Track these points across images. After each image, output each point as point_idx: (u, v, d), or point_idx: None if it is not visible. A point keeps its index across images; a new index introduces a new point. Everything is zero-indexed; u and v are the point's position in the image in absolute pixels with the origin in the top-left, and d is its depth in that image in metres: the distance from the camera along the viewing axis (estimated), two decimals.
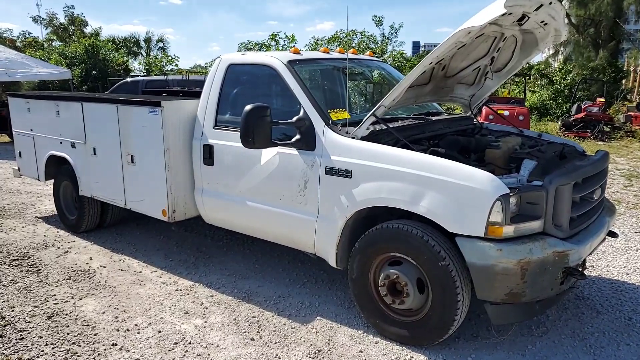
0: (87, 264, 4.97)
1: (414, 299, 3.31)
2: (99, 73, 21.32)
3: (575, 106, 15.59)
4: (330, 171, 3.59)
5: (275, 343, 3.50)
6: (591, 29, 23.44)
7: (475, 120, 4.74)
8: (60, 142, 5.69)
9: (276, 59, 4.08)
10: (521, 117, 13.62)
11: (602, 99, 15.71)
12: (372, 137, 3.59)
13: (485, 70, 4.30)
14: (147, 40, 29.53)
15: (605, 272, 4.68)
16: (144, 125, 4.62)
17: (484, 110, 13.96)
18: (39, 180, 6.28)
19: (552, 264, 3.02)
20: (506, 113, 13.64)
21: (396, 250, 3.36)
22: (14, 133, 6.55)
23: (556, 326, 3.69)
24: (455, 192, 3.07)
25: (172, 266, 4.91)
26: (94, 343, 3.50)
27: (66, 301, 4.15)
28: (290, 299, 4.16)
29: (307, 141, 3.69)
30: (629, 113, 16.07)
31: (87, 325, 3.75)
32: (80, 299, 4.20)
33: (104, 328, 3.71)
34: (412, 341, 3.41)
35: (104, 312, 3.96)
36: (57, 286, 4.44)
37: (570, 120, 15.01)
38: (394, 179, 3.30)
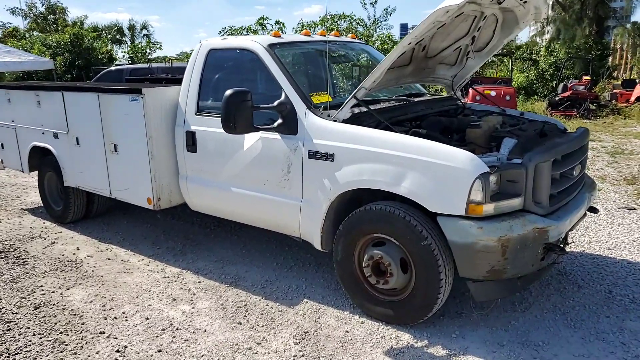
0: (74, 254, 4.96)
1: (398, 278, 3.34)
2: (83, 62, 21.03)
3: (561, 85, 15.67)
4: (313, 155, 3.60)
5: (263, 326, 3.54)
6: (577, 6, 23.44)
7: (458, 100, 4.75)
8: (43, 133, 5.63)
9: (257, 43, 4.05)
10: (508, 97, 13.67)
11: (588, 77, 15.81)
12: (354, 120, 3.59)
13: (466, 50, 4.30)
14: (131, 27, 29.11)
15: (587, 247, 4.76)
16: (126, 114, 4.59)
17: (471, 91, 13.98)
18: (22, 172, 6.23)
19: (533, 241, 3.06)
20: (493, 93, 13.68)
21: (379, 231, 3.39)
22: None
23: (539, 301, 3.76)
24: (436, 172, 3.09)
25: (159, 254, 4.91)
26: (81, 332, 3.51)
27: (53, 291, 4.15)
28: (277, 283, 4.20)
29: (289, 125, 3.69)
30: (614, 91, 16.20)
31: (75, 314, 3.76)
32: (68, 289, 4.20)
33: (91, 317, 3.72)
34: (397, 320, 3.46)
35: (91, 301, 3.96)
36: (44, 277, 4.44)
37: (556, 99, 15.09)
38: (375, 161, 3.32)
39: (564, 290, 3.92)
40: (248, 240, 5.15)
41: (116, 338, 3.43)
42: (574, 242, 4.86)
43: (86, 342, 3.38)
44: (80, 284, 4.29)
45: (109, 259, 4.82)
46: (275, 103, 3.70)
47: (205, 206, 4.57)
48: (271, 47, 4.01)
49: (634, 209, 5.85)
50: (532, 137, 3.48)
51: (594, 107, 14.87)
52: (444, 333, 3.38)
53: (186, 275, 4.41)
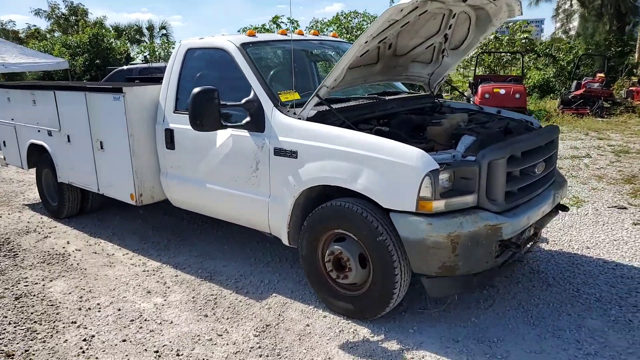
0: (63, 247, 5.14)
1: (356, 273, 3.40)
2: (102, 62, 21.50)
3: (574, 82, 15.39)
4: (278, 152, 3.68)
5: (227, 319, 3.63)
6: (597, 1, 22.96)
7: (436, 98, 4.77)
8: (38, 131, 5.84)
9: (229, 42, 4.14)
10: (517, 95, 13.52)
11: (602, 75, 15.47)
12: (319, 118, 3.65)
13: (440, 47, 4.31)
14: (150, 27, 29.63)
15: (566, 246, 4.72)
16: (109, 112, 4.73)
17: (480, 89, 13.89)
18: (22, 168, 6.46)
19: (485, 237, 3.08)
20: (502, 92, 13.55)
21: (339, 227, 3.44)
22: None
23: (504, 299, 3.77)
24: (388, 169, 3.13)
25: (144, 248, 5.06)
26: (54, 321, 3.66)
27: (36, 283, 4.32)
28: (251, 278, 4.29)
29: (257, 123, 3.77)
30: (630, 88, 15.82)
31: (52, 305, 3.92)
32: (51, 280, 4.37)
33: (67, 307, 3.87)
34: (357, 315, 3.51)
35: (70, 293, 4.12)
36: (30, 269, 4.62)
37: (569, 97, 14.83)
38: (334, 158, 3.37)
39: (532, 288, 3.91)
40: (231, 235, 5.25)
41: (86, 328, 3.57)
42: (554, 241, 4.83)
43: (56, 331, 3.53)
44: (63, 276, 4.45)
45: (95, 253, 4.98)
46: (243, 101, 3.78)
47: (184, 202, 4.69)
48: (243, 47, 4.10)
49: (625, 208, 5.76)
50: (494, 134, 3.48)
51: (608, 105, 14.55)
52: (402, 328, 3.42)
53: (165, 269, 4.54)
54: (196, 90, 3.58)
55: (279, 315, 3.66)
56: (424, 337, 3.31)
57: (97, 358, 3.20)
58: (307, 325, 3.51)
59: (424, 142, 3.47)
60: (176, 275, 4.39)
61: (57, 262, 4.77)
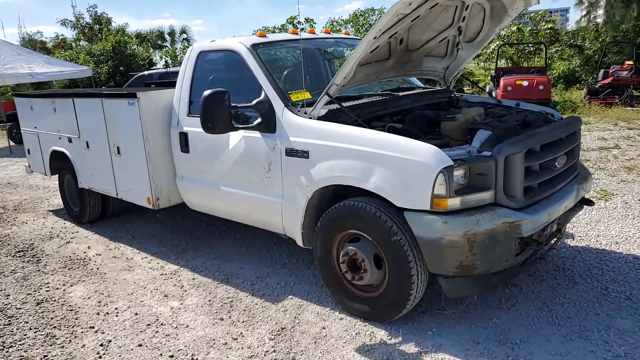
0: (84, 252, 5.20)
1: (372, 274, 3.32)
2: (125, 69, 21.85)
3: (601, 71, 14.92)
4: (290, 152, 3.62)
5: (243, 322, 3.60)
6: None
7: (452, 93, 4.65)
8: (59, 138, 5.93)
9: (240, 44, 4.11)
10: (541, 87, 13.19)
11: (631, 62, 14.94)
12: (331, 117, 3.59)
13: (455, 41, 4.20)
14: (171, 33, 30.04)
15: (594, 241, 4.54)
16: (125, 117, 4.76)
17: (502, 81, 13.60)
18: (46, 175, 6.58)
19: (504, 235, 2.97)
20: (525, 84, 13.24)
21: (353, 227, 3.37)
22: (22, 131, 6.85)
23: (528, 298, 3.63)
24: (401, 167, 3.05)
25: (162, 252, 5.08)
26: (73, 327, 3.69)
27: (57, 288, 4.37)
28: (267, 280, 4.25)
29: (268, 123, 3.73)
30: None
31: (71, 310, 3.95)
32: (71, 285, 4.42)
33: (86, 312, 3.90)
34: (374, 317, 3.44)
35: (89, 298, 4.15)
36: (52, 274, 4.68)
37: (596, 86, 14.39)
38: (345, 157, 3.31)
39: (557, 287, 3.76)
40: (248, 237, 5.23)
41: (103, 332, 3.58)
42: (580, 236, 4.66)
43: (75, 336, 3.55)
44: (83, 281, 4.50)
45: (115, 257, 5.03)
46: (254, 102, 3.74)
47: (200, 205, 4.68)
48: (254, 47, 4.06)
49: None
50: (511, 128, 3.36)
51: (638, 94, 14.06)
52: (420, 330, 3.32)
53: (182, 272, 4.54)
54: (206, 92, 3.55)
55: (295, 317, 3.61)
56: (443, 339, 3.21)
57: None
58: (323, 327, 3.45)
59: (438, 138, 3.37)
60: (193, 279, 4.39)
61: (78, 267, 4.82)
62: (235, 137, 4.01)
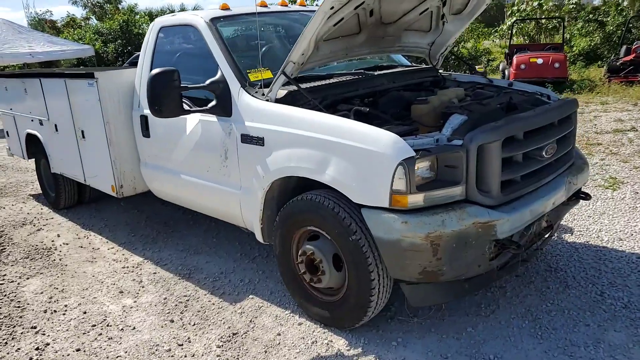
0: (52, 241, 4.95)
1: (330, 277, 2.96)
2: (133, 48, 21.54)
3: (623, 47, 14.06)
4: (245, 139, 3.25)
5: (194, 325, 3.29)
6: None
7: (439, 71, 4.19)
8: (32, 120, 5.65)
9: (199, 18, 3.72)
10: (557, 65, 12.51)
11: None
12: (290, 99, 3.20)
13: (439, 12, 3.73)
14: (182, 10, 29.56)
15: (595, 237, 4.09)
16: (86, 99, 4.44)
17: (515, 59, 12.92)
18: (24, 158, 6.33)
19: (475, 237, 2.57)
20: (539, 61, 12.57)
21: (311, 223, 3.01)
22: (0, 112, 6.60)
23: (511, 303, 3.24)
24: (357, 157, 2.66)
25: (131, 241, 4.79)
26: (15, 326, 3.42)
27: (12, 281, 4.12)
28: (231, 276, 3.93)
29: (224, 106, 3.35)
30: None
31: (19, 307, 3.69)
32: (27, 278, 4.16)
33: (33, 310, 3.63)
34: (334, 323, 3.09)
35: (42, 292, 3.89)
36: (12, 265, 4.43)
37: (617, 63, 13.57)
38: (301, 145, 2.92)
39: (546, 291, 3.35)
40: (222, 227, 4.90)
41: (44, 334, 3.31)
42: (580, 231, 4.21)
43: (12, 338, 3.29)
44: (41, 273, 4.24)
45: (81, 247, 4.76)
46: (208, 82, 3.36)
47: (164, 193, 4.36)
48: (213, 22, 3.66)
49: None
50: (491, 112, 2.92)
51: None
52: (384, 340, 2.97)
53: (145, 265, 4.25)
54: (153, 72, 3.18)
55: (251, 321, 3.28)
56: (407, 352, 2.85)
57: None
58: (279, 334, 3.11)
59: (409, 124, 2.95)
60: (154, 273, 4.09)
61: (41, 257, 4.56)
62: (192, 121, 3.65)
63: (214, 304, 3.53)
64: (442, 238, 2.50)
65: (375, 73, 3.77)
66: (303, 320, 3.22)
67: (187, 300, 3.61)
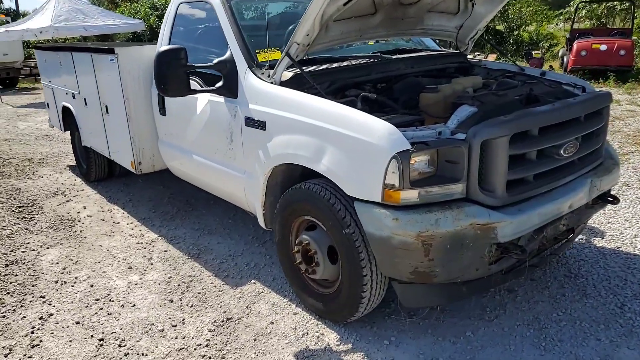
0: (78, 212, 5.10)
1: (325, 269, 2.86)
2: None
3: None
4: (249, 122, 3.17)
5: (191, 307, 3.29)
6: None
7: (468, 56, 3.94)
8: (66, 93, 5.80)
9: None
10: (622, 52, 11.66)
11: None
12: (296, 82, 3.08)
13: None
14: None
15: (627, 244, 3.77)
16: (108, 75, 4.49)
17: (576, 45, 12.13)
18: (61, 130, 6.54)
19: (472, 239, 2.39)
20: (603, 48, 11.75)
21: (308, 213, 2.91)
22: (42, 84, 6.83)
23: (519, 309, 3.03)
24: (352, 148, 2.52)
25: (151, 217, 4.86)
26: (25, 294, 3.55)
27: (33, 250, 4.27)
28: (239, 259, 3.91)
29: (230, 87, 3.28)
30: None
31: (34, 275, 3.82)
32: (47, 248, 4.30)
33: (45, 279, 3.75)
34: (327, 316, 3.00)
35: (57, 263, 4.01)
36: (36, 234, 4.60)
37: None
38: (299, 132, 2.81)
39: (561, 298, 3.12)
40: (240, 209, 4.81)
41: (50, 304, 3.41)
42: (612, 236, 3.89)
43: (21, 306, 3.40)
44: (61, 244, 4.37)
45: (103, 220, 4.88)
46: (215, 61, 3.29)
47: (179, 172, 4.37)
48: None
49: None
50: (506, 104, 2.69)
51: None
52: (377, 338, 2.85)
53: (158, 242, 4.29)
54: (160, 50, 3.14)
55: (247, 307, 3.24)
56: (398, 352, 2.72)
57: (41, 341, 3.01)
58: (272, 322, 3.06)
59: (414, 114, 2.78)
60: (166, 251, 4.13)
61: (64, 228, 4.71)
62: (202, 101, 3.61)
63: (215, 286, 3.52)
64: (435, 238, 2.34)
65: (393, 57, 3.57)
66: (299, 310, 3.15)
67: (191, 281, 3.61)
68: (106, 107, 4.75)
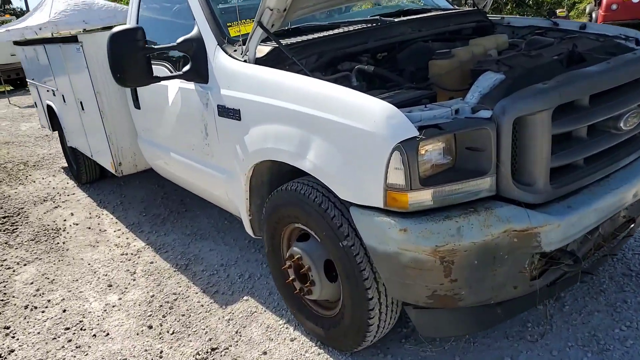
0: (64, 220, 4.65)
1: (322, 288, 2.31)
2: None
3: None
4: (222, 111, 2.61)
5: (172, 334, 2.78)
6: None
7: (487, 14, 3.27)
8: (47, 91, 5.33)
9: None
10: None
11: None
12: (275, 59, 2.49)
13: None
14: None
15: None
16: (77, 66, 3.97)
17: None
18: (50, 130, 6.09)
19: (508, 251, 1.79)
20: (636, 0, 10.73)
21: (297, 220, 2.35)
22: (28, 83, 6.39)
23: (569, 323, 2.43)
24: (342, 137, 1.93)
25: (140, 222, 4.38)
26: None
27: (9, 267, 3.84)
28: (232, 269, 3.39)
29: (199, 70, 2.71)
30: None
31: (3, 300, 3.38)
32: (25, 265, 3.86)
33: (15, 305, 3.30)
34: (330, 343, 2.46)
35: (32, 283, 3.56)
36: (16, 249, 4.17)
37: None
38: (278, 121, 2.23)
39: (622, 306, 2.50)
40: None
41: (13, 337, 2.95)
42: None
43: None
44: (40, 259, 3.93)
45: (89, 228, 4.41)
46: (179, 40, 2.72)
47: (162, 172, 3.85)
48: None
49: None
50: (543, 67, 2.05)
51: None
52: None
53: (145, 252, 3.81)
54: (112, 31, 2.57)
55: (237, 332, 2.72)
56: None
57: None
58: (264, 353, 2.53)
59: (423, 88, 2.16)
60: (151, 262, 3.63)
61: (46, 240, 4.26)
62: (173, 89, 3.05)
63: (202, 306, 3.01)
64: (457, 253, 1.75)
65: (396, 20, 2.93)
66: (297, 335, 2.62)
67: (175, 300, 3.11)
68: (81, 103, 4.25)
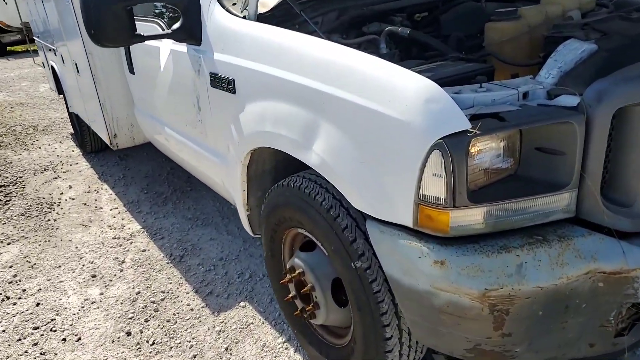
0: (61, 194, 4.27)
1: (329, 312, 1.82)
2: None
3: None
4: (215, 81, 2.09)
5: (152, 345, 2.35)
6: None
7: None
8: (49, 50, 4.91)
9: None
10: None
11: None
12: (284, 16, 1.95)
13: None
14: None
15: None
16: (69, 22, 3.49)
17: None
18: (57, 93, 5.70)
19: (589, 299, 1.25)
20: None
21: (300, 225, 1.84)
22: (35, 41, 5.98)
23: None
24: (361, 125, 1.40)
25: (140, 201, 3.95)
26: None
27: None
28: (231, 265, 2.93)
29: (190, 28, 2.18)
30: None
31: None
32: (8, 244, 3.49)
33: None
34: None
35: (11, 266, 3.19)
36: (3, 224, 3.81)
37: None
38: (279, 97, 1.70)
39: None
40: None
41: None
42: None
43: None
44: (26, 237, 3.55)
45: (85, 205, 4.01)
46: None
47: (159, 146, 3.38)
48: None
49: None
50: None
51: None
52: None
53: (139, 237, 3.38)
54: None
55: (227, 349, 2.27)
56: None
57: None
58: None
59: (475, 60, 1.60)
60: (143, 250, 3.21)
61: (37, 216, 3.89)
62: (165, 52, 2.54)
63: (192, 310, 2.57)
64: (515, 300, 1.22)
65: None
66: (299, 359, 2.15)
67: (162, 300, 2.68)
68: (76, 65, 3.79)
